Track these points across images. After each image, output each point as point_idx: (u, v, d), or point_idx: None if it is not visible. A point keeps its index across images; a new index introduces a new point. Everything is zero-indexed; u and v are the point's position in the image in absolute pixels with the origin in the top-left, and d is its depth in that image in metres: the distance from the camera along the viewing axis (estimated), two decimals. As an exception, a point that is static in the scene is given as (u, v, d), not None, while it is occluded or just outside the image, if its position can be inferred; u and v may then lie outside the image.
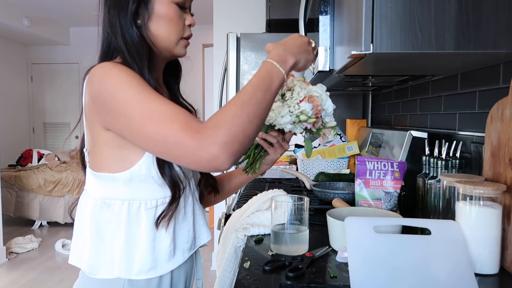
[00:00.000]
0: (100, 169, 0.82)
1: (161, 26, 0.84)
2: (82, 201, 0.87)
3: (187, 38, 0.89)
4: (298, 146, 2.02)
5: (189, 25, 0.88)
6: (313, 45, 0.88)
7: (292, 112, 0.88)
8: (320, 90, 0.92)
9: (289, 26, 2.29)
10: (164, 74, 0.96)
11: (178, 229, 0.87)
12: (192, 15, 0.91)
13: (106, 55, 0.86)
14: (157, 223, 0.82)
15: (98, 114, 0.78)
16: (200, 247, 0.96)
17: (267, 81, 0.75)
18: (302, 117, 0.89)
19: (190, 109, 0.98)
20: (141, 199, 0.82)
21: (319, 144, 1.87)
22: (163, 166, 0.81)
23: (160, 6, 0.83)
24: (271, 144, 0.97)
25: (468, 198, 0.80)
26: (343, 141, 1.87)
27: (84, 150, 0.86)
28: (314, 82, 1.21)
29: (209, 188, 1.02)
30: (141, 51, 0.82)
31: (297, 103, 0.88)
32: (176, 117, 0.69)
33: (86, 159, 0.86)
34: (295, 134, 0.95)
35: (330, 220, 0.92)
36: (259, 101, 0.72)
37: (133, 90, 0.73)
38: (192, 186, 0.91)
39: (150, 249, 0.82)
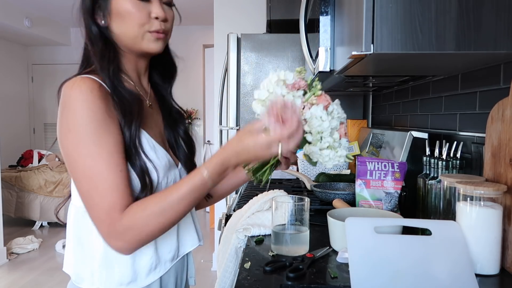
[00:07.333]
0: None
1: (121, 23, 0.80)
2: (69, 208, 0.87)
3: (157, 32, 0.81)
4: (298, 146, 2.01)
5: (156, 18, 0.80)
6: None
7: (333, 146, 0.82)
8: (341, 112, 0.85)
9: (290, 26, 2.29)
10: (153, 76, 0.93)
11: (160, 239, 0.85)
12: (171, 5, 0.85)
13: (87, 59, 0.84)
14: None
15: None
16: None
17: (198, 194, 0.74)
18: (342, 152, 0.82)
19: (181, 113, 0.98)
20: None
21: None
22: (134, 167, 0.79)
23: (117, 1, 0.79)
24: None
25: (468, 198, 0.80)
26: (343, 142, 1.87)
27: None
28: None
29: None
30: (104, 53, 0.80)
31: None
32: (110, 193, 0.72)
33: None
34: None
35: (330, 221, 0.92)
36: (181, 212, 0.74)
37: (87, 138, 0.72)
38: None
39: (130, 261, 0.81)
